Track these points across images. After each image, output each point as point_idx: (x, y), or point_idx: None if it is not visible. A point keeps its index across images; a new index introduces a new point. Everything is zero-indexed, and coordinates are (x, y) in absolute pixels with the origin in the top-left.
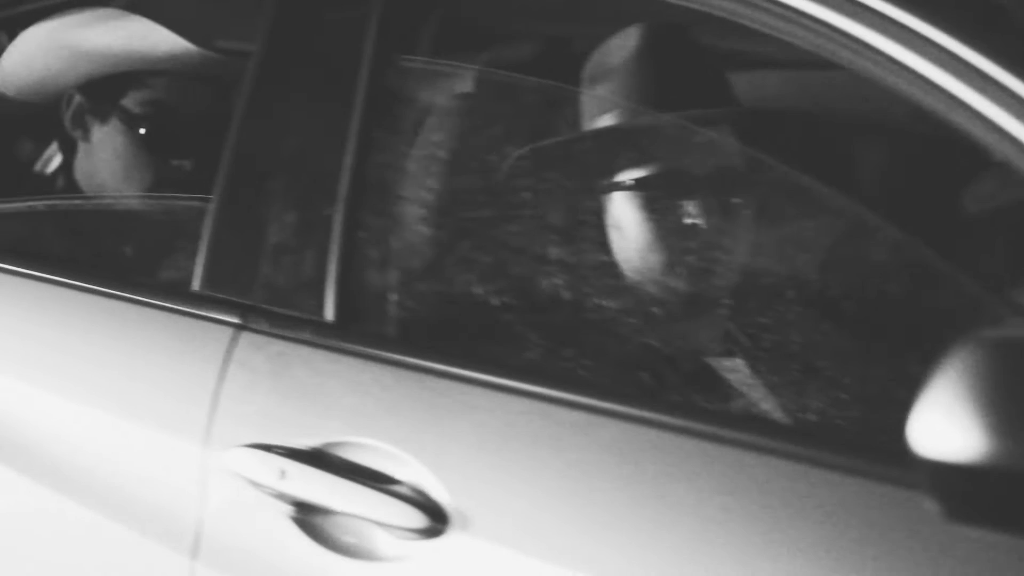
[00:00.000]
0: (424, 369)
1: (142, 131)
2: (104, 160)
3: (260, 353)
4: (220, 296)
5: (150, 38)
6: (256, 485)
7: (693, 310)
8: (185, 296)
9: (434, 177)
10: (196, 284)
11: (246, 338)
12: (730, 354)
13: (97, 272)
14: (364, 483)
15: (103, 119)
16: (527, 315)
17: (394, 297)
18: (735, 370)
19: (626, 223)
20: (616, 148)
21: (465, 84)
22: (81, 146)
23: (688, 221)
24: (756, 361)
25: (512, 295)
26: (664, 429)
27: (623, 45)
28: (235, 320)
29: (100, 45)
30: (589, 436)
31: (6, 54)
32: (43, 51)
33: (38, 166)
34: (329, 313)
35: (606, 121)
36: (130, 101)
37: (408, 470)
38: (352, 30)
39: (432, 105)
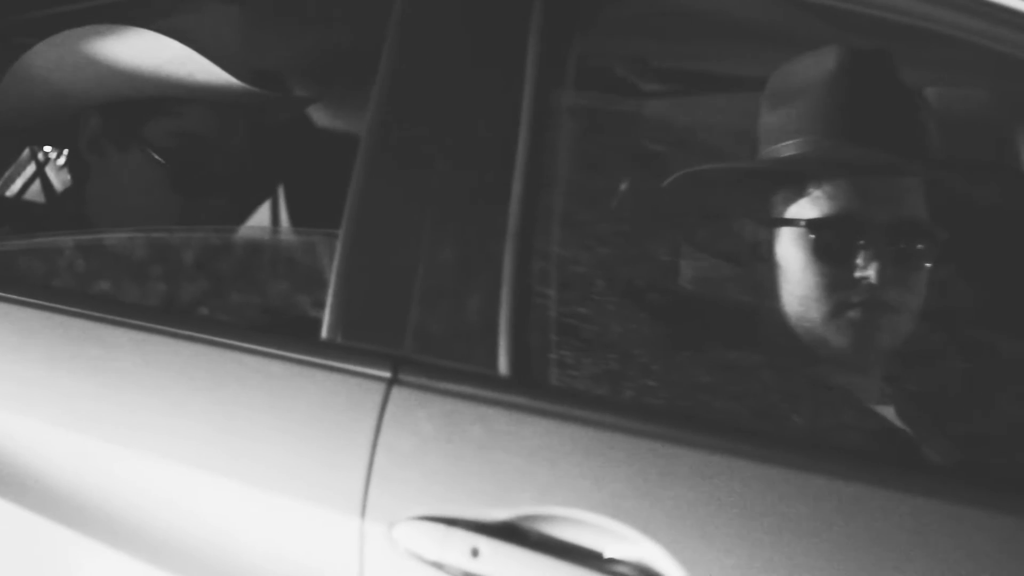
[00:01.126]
0: (620, 428)
1: (164, 163)
2: (122, 191)
3: (422, 411)
4: (362, 346)
5: (188, 65)
6: (437, 565)
7: (848, 363)
8: (315, 345)
9: (604, 200)
10: (326, 332)
11: (401, 394)
12: (882, 401)
13: (199, 317)
14: (580, 563)
15: (123, 146)
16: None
17: (577, 345)
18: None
19: (790, 264)
20: (794, 181)
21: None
22: (95, 172)
23: (858, 273)
24: (906, 408)
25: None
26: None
27: (816, 65)
28: (385, 374)
29: (129, 64)
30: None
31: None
32: (58, 67)
33: None
34: (503, 366)
35: (789, 149)
36: (156, 130)
37: (631, 547)
38: (515, 21)
39: (607, 115)
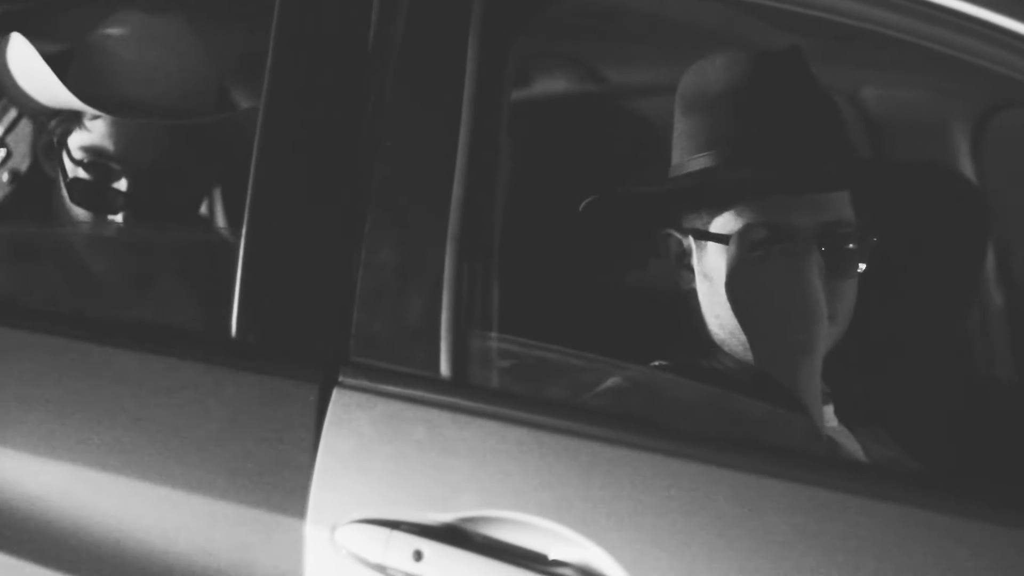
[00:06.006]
0: (563, 430)
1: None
2: (55, 202)
3: (363, 414)
4: (304, 349)
5: (42, 83)
6: (380, 568)
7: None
8: (257, 349)
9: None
10: (237, 331)
11: (342, 397)
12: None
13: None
14: (524, 565)
15: (50, 157)
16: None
17: (517, 347)
18: (827, 418)
19: (718, 276)
20: (714, 195)
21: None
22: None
23: (782, 281)
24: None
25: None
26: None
27: (726, 70)
28: (327, 377)
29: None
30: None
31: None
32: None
33: None
34: (445, 368)
35: (702, 162)
36: (73, 143)
37: (574, 549)
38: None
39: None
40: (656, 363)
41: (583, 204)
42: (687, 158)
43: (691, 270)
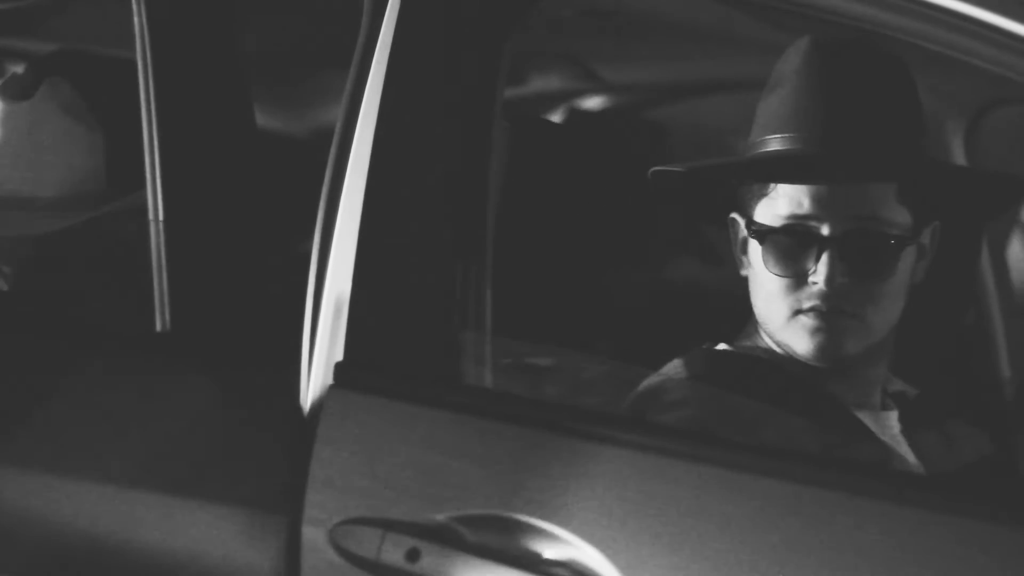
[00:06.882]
0: (558, 429)
1: None
2: None
3: (358, 413)
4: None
5: None
6: (374, 567)
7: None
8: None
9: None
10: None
11: (338, 396)
12: (885, 407)
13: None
14: (518, 565)
15: None
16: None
17: (515, 348)
18: (888, 425)
19: (757, 263)
20: (767, 180)
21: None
22: None
23: (811, 278)
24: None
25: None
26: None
27: (795, 55)
28: (323, 376)
29: None
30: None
31: None
32: None
33: None
34: (441, 367)
35: (768, 145)
36: None
37: (568, 549)
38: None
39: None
40: (720, 346)
41: (651, 170)
42: (757, 139)
43: (745, 256)
